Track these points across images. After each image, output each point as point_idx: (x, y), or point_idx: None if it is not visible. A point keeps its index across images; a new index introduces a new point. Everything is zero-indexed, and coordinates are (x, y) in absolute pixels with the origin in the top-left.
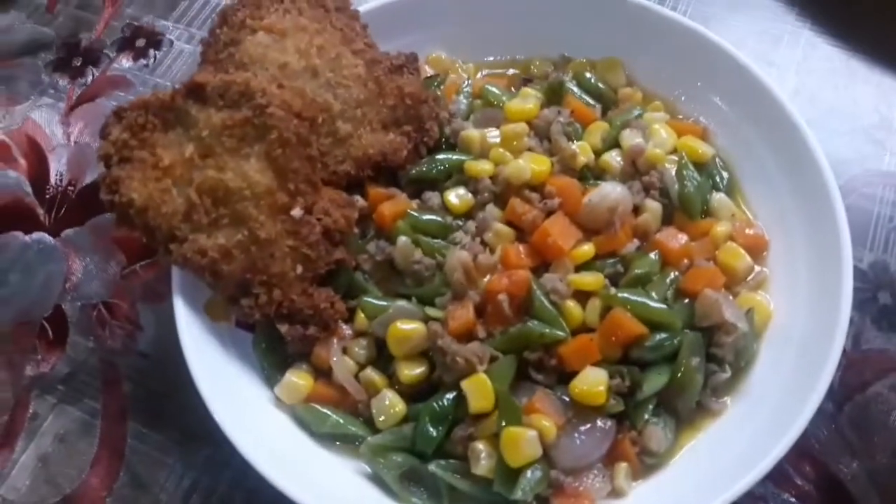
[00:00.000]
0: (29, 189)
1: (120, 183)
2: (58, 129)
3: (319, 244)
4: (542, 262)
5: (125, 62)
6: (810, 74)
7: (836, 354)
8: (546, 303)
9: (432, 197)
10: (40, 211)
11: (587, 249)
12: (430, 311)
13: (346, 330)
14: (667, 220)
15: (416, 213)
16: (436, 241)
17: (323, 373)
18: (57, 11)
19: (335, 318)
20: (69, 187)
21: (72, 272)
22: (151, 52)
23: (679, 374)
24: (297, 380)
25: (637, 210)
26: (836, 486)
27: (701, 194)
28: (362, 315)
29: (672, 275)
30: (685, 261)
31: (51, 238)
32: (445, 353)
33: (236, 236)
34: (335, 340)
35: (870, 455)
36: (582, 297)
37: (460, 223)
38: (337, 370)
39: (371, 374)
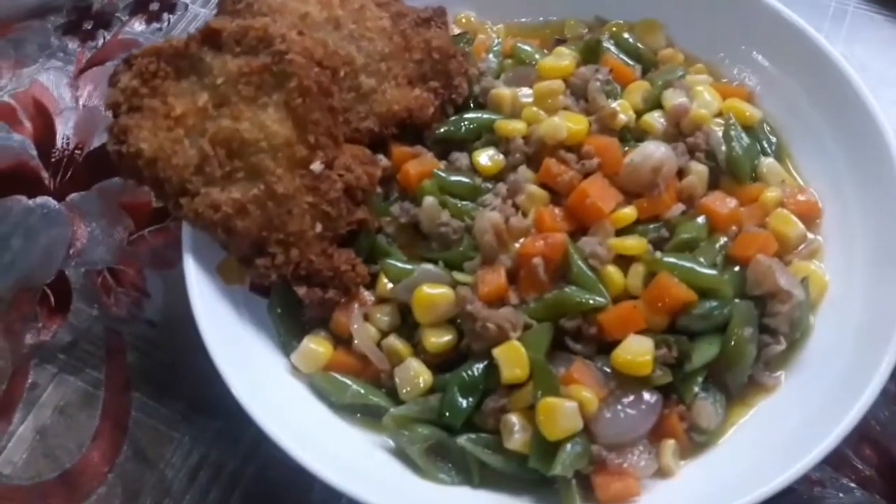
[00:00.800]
0: (34, 152)
1: (128, 132)
2: (66, 93)
3: (340, 202)
4: (580, 227)
5: (138, 26)
6: (859, 44)
7: None
8: (585, 268)
9: (460, 157)
10: (45, 174)
11: (629, 212)
12: (459, 276)
13: (368, 296)
14: (713, 184)
15: (443, 174)
16: (464, 203)
17: (343, 340)
18: None
19: (356, 281)
20: (76, 151)
21: (76, 237)
22: (165, 15)
23: (730, 346)
24: (316, 347)
25: (681, 173)
26: None
27: (750, 158)
28: (385, 279)
29: (721, 241)
30: (734, 227)
31: (55, 202)
32: (475, 320)
33: (252, 190)
34: (356, 306)
35: None
36: (623, 262)
37: (490, 185)
38: (358, 337)
39: (394, 342)
